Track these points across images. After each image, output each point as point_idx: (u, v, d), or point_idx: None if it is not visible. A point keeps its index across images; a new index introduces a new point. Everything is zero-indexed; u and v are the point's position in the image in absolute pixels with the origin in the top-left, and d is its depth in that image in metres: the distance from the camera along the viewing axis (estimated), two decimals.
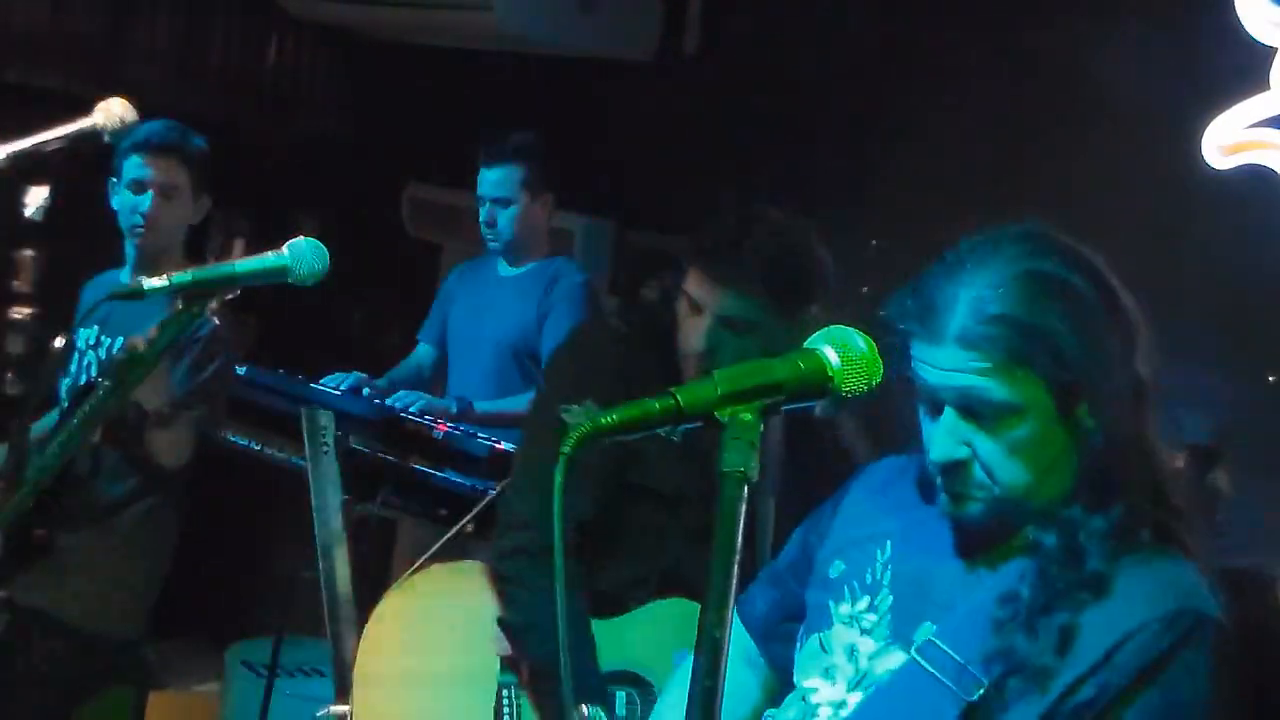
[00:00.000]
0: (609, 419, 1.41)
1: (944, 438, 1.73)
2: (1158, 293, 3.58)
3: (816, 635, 1.90)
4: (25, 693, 3.49)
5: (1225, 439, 3.29)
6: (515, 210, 4.30)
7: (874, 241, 4.37)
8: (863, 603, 1.87)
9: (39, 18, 5.37)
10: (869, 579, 1.88)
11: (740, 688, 2.03)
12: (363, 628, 2.95)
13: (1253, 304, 3.48)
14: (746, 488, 1.37)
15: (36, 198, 2.24)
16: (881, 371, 1.51)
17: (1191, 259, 3.58)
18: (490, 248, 4.44)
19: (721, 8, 5.02)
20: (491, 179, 4.31)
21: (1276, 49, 3.28)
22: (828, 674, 1.86)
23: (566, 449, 1.38)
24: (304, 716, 4.44)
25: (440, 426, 3.90)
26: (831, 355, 1.48)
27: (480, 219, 4.36)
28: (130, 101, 2.45)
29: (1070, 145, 3.89)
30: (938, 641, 1.76)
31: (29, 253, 2.21)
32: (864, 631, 1.85)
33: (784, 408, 1.46)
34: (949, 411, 1.73)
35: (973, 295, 1.71)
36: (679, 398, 1.42)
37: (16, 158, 2.22)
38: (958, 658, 1.74)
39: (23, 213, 2.22)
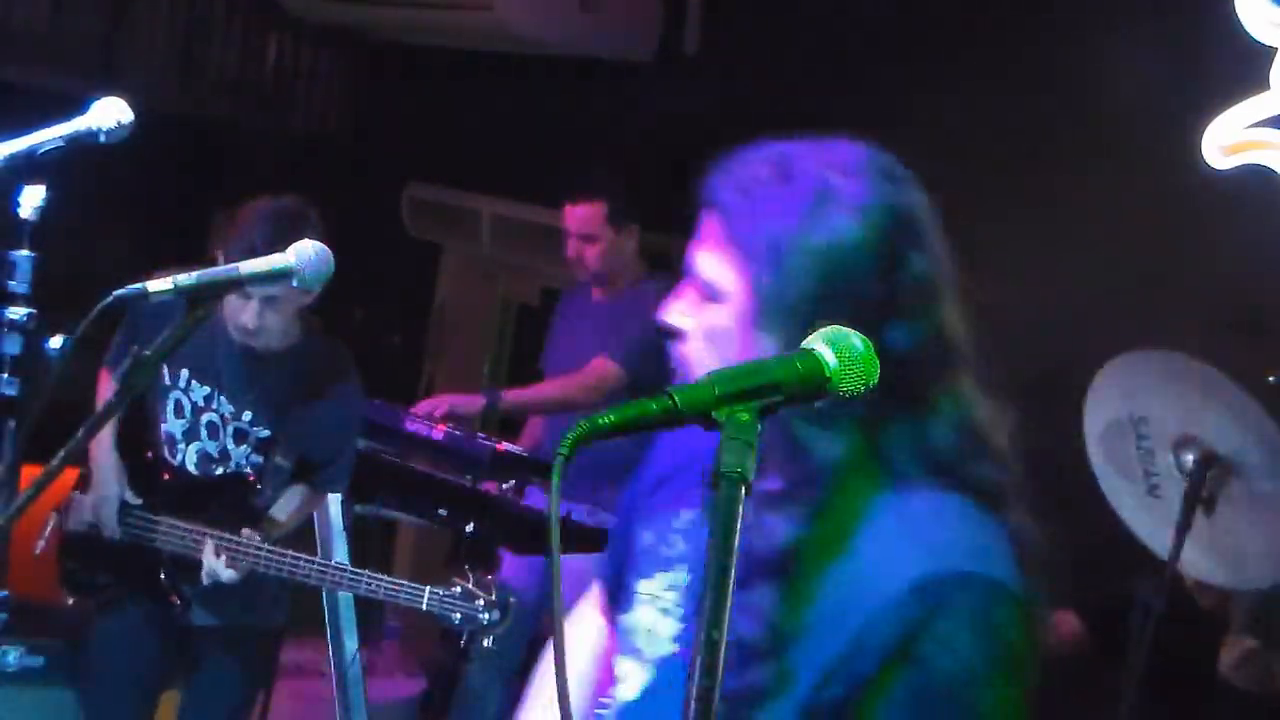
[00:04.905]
0: (606, 419, 1.40)
1: None
2: (1158, 292, 3.61)
3: (623, 615, 1.77)
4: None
5: (1223, 440, 3.28)
6: (601, 245, 4.33)
7: None
8: (661, 580, 1.72)
9: (39, 18, 5.38)
10: (665, 552, 1.73)
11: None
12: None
13: (1253, 304, 3.48)
14: (743, 488, 1.37)
15: (33, 198, 2.23)
16: (878, 372, 1.50)
17: (1191, 259, 3.57)
18: (581, 279, 4.49)
19: (721, 8, 5.02)
20: (577, 216, 4.33)
21: (1276, 49, 3.28)
22: (634, 655, 1.73)
23: (563, 450, 1.38)
24: (304, 716, 4.45)
25: (440, 428, 3.91)
26: (828, 355, 1.47)
27: (567, 252, 4.40)
28: (130, 101, 2.45)
29: (1071, 145, 3.89)
30: None
31: (25, 253, 2.20)
32: (664, 612, 1.71)
33: (782, 408, 1.46)
34: None
35: None
36: (676, 398, 1.42)
37: (13, 158, 2.21)
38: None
39: (18, 213, 2.21)
